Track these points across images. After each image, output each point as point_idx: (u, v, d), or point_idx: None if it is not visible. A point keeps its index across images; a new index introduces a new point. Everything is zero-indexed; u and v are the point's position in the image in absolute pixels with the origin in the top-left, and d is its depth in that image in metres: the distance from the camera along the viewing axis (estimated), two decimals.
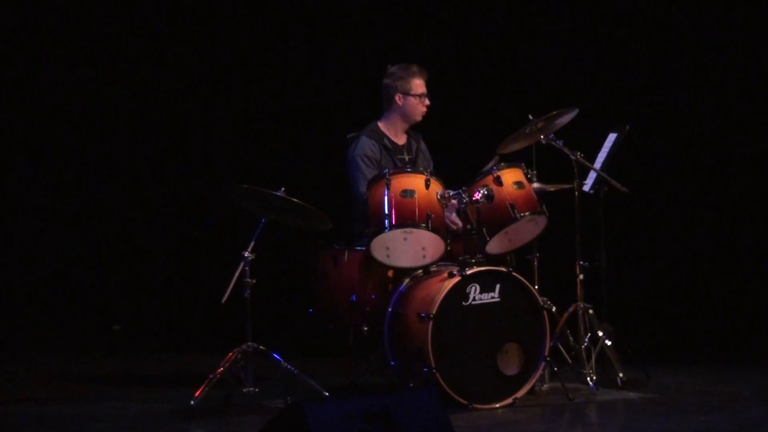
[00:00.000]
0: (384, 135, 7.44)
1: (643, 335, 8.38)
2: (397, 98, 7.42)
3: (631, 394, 7.20)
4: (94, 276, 9.94)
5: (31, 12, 9.70)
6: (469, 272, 6.86)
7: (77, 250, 9.94)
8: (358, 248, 7.14)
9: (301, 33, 9.64)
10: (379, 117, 7.50)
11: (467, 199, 6.96)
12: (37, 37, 9.73)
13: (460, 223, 7.20)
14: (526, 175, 7.17)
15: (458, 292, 6.84)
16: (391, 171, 7.01)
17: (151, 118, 9.83)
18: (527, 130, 7.31)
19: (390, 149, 7.41)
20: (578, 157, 7.40)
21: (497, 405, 6.87)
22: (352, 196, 7.34)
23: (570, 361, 7.44)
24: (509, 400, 6.89)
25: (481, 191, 6.94)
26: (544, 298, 7.13)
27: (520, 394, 6.92)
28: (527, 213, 7.06)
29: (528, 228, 7.15)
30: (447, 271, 6.97)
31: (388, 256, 6.96)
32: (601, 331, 7.44)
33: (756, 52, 9.03)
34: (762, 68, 9.04)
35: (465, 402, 6.79)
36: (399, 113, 7.46)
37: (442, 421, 5.07)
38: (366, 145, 7.35)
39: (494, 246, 7.10)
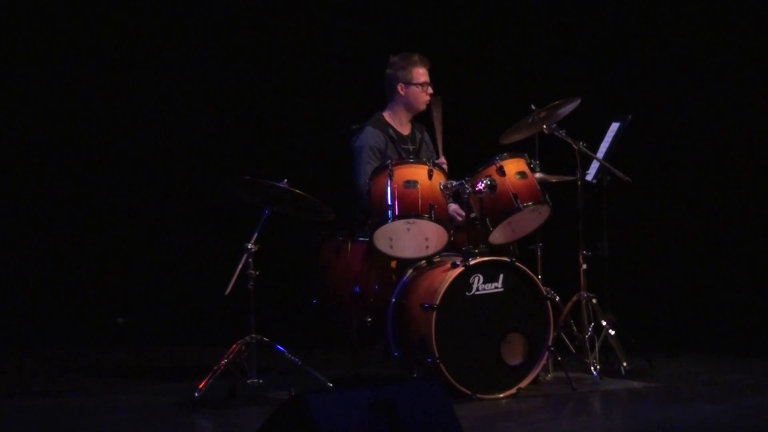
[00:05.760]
0: (389, 125, 7.44)
1: (646, 324, 8.38)
2: (399, 88, 7.41)
3: (635, 384, 7.20)
4: (98, 269, 9.95)
5: (31, 9, 9.70)
6: (472, 262, 6.86)
7: (80, 243, 9.94)
8: (361, 239, 7.14)
9: (303, 23, 9.63)
10: (383, 108, 7.50)
11: (470, 189, 6.96)
12: (37, 34, 9.73)
13: (463, 213, 7.19)
14: (528, 165, 7.17)
15: (461, 283, 6.84)
16: (394, 162, 7.01)
17: (154, 111, 9.83)
18: (530, 120, 7.31)
19: (395, 139, 7.41)
20: (581, 146, 7.40)
21: (501, 395, 6.88)
22: (355, 186, 7.33)
23: (573, 350, 7.45)
24: (513, 390, 6.90)
25: (484, 181, 6.94)
26: (548, 288, 7.13)
27: (523, 384, 6.93)
28: (530, 203, 7.06)
29: (531, 218, 7.15)
30: (450, 262, 6.97)
31: (391, 246, 6.96)
32: (605, 320, 7.44)
33: (759, 41, 9.02)
34: (765, 57, 9.02)
35: (469, 392, 6.79)
36: (402, 103, 7.45)
37: (446, 411, 5.07)
38: (371, 135, 7.35)
39: (497, 236, 7.11)
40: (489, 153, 7.16)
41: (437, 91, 7.47)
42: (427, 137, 7.60)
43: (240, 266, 6.86)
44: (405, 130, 7.50)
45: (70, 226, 9.95)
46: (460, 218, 7.23)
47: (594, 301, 7.45)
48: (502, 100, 8.86)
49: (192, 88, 9.76)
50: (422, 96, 7.43)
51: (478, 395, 6.82)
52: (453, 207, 7.27)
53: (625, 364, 7.39)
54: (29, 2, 9.72)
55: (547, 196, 7.13)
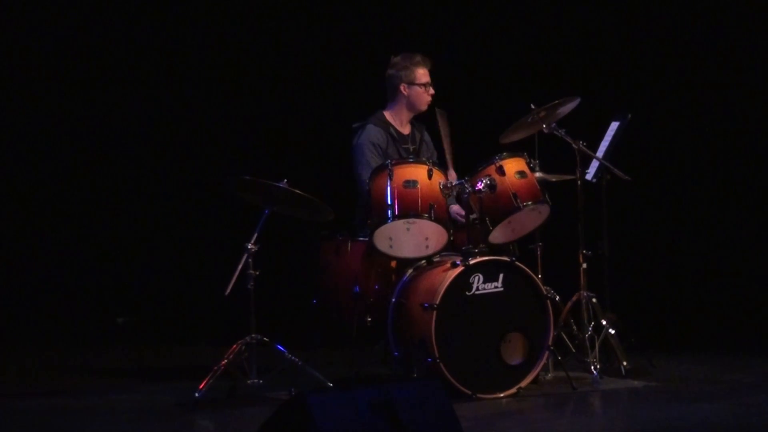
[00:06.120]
0: (390, 124, 7.44)
1: (646, 323, 8.37)
2: (402, 88, 7.41)
3: (635, 383, 7.20)
4: (98, 268, 9.95)
5: (31, 9, 9.70)
6: (472, 262, 6.86)
7: (81, 243, 9.94)
8: (361, 239, 7.14)
9: (303, 23, 9.63)
10: (383, 107, 7.50)
11: (470, 188, 6.96)
12: (37, 33, 9.73)
13: (464, 213, 7.17)
14: (528, 164, 7.17)
15: (461, 282, 6.84)
16: (394, 161, 7.01)
17: (154, 111, 9.82)
18: (529, 120, 7.31)
19: (396, 138, 7.42)
20: (580, 146, 7.40)
21: (501, 395, 6.88)
22: (356, 183, 7.33)
23: (574, 350, 7.44)
24: (513, 390, 6.89)
25: (484, 181, 6.94)
26: (548, 288, 7.13)
27: (524, 383, 6.93)
28: (530, 202, 7.06)
29: (531, 217, 7.15)
30: (450, 261, 6.97)
31: (391, 246, 6.96)
32: (605, 319, 7.44)
33: (759, 40, 9.02)
34: (765, 57, 9.02)
35: (469, 392, 6.79)
36: (404, 103, 7.45)
37: (445, 411, 5.07)
38: (373, 133, 7.35)
39: (497, 235, 7.10)
40: (488, 152, 7.16)
41: (438, 93, 7.46)
42: (427, 137, 7.59)
43: (240, 266, 6.86)
44: (405, 129, 7.50)
45: (71, 225, 9.95)
46: (461, 218, 7.21)
47: (594, 300, 7.45)
48: (502, 100, 8.86)
49: (192, 88, 9.76)
50: (424, 96, 7.43)
51: (478, 395, 6.81)
52: (455, 208, 7.26)
53: (625, 363, 7.39)
54: (30, 2, 9.72)
55: (546, 196, 7.13)
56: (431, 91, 7.44)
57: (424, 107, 7.47)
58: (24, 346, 9.25)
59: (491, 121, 7.75)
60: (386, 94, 7.49)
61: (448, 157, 7.43)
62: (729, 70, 9.07)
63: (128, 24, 9.76)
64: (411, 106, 7.46)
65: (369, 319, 7.10)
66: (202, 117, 9.80)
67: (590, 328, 7.39)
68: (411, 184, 6.92)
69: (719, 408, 6.53)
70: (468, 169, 7.11)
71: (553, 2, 9.29)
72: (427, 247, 6.99)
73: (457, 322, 6.82)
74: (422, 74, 7.41)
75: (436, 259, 7.10)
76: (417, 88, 7.41)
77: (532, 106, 7.25)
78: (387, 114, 7.47)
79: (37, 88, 9.80)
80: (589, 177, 7.61)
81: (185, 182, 9.78)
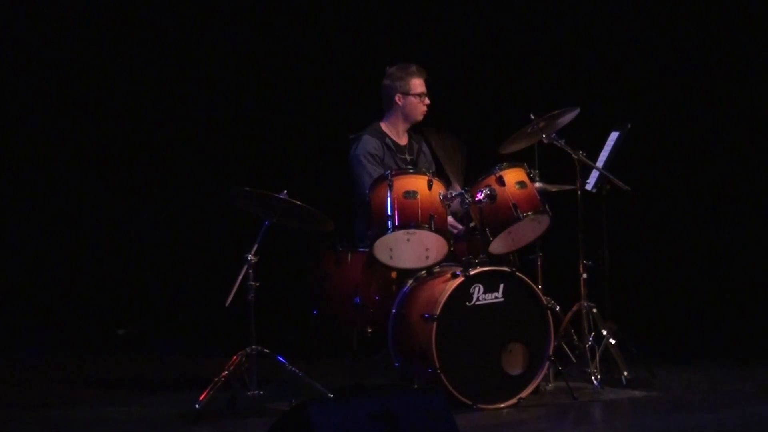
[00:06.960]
0: (386, 135, 7.45)
1: (647, 333, 8.38)
2: (397, 99, 7.42)
3: (636, 393, 7.20)
4: (98, 280, 9.95)
5: (31, 10, 9.72)
6: (472, 272, 6.86)
7: (81, 254, 9.95)
8: (361, 250, 7.14)
9: (302, 34, 9.65)
10: (380, 118, 7.51)
11: (470, 199, 6.96)
12: (37, 35, 9.74)
13: (460, 227, 7.21)
14: (528, 174, 7.17)
15: (462, 293, 6.84)
16: (394, 172, 7.01)
17: (154, 122, 9.84)
18: (529, 130, 7.31)
19: (392, 149, 7.42)
20: (580, 156, 7.40)
21: (502, 405, 6.87)
22: (357, 194, 7.33)
23: (574, 360, 7.44)
24: (514, 400, 6.89)
25: (484, 191, 6.94)
26: (548, 298, 7.13)
27: (524, 393, 6.92)
28: (530, 212, 7.06)
29: (531, 227, 7.15)
30: (450, 272, 6.97)
31: (391, 257, 6.96)
32: (605, 329, 7.44)
33: (757, 50, 9.03)
34: (764, 65, 9.03)
35: (469, 402, 6.79)
36: (400, 113, 7.46)
37: (446, 421, 5.07)
38: (369, 143, 7.36)
39: (497, 246, 7.10)
40: (488, 163, 7.17)
41: (437, 104, 7.47)
42: (425, 147, 7.60)
43: (240, 277, 6.86)
44: (402, 140, 7.51)
45: (71, 236, 9.95)
46: (456, 231, 7.23)
47: (594, 310, 7.45)
48: (501, 110, 8.87)
49: (193, 98, 9.77)
50: (419, 107, 7.44)
51: (479, 405, 6.81)
52: (449, 220, 7.25)
53: (625, 373, 7.38)
54: (30, 3, 9.73)
55: (546, 206, 7.14)
56: (426, 101, 7.44)
57: (419, 117, 7.48)
58: (24, 357, 9.24)
59: (491, 132, 7.76)
60: (382, 105, 7.50)
61: (450, 173, 7.37)
62: (728, 79, 9.08)
63: (131, 35, 9.78)
64: (406, 116, 7.46)
65: (369, 329, 7.10)
66: (203, 128, 9.81)
67: (591, 338, 7.38)
68: (411, 194, 6.92)
69: (720, 418, 6.52)
70: (468, 179, 7.12)
71: (552, 12, 9.30)
72: (427, 257, 6.99)
73: (457, 332, 6.82)
74: (417, 84, 7.42)
75: (436, 270, 7.10)
76: (412, 98, 7.42)
77: (532, 116, 7.26)
78: (383, 125, 7.48)
79: (38, 93, 9.81)
80: (589, 187, 7.62)
81: (185, 193, 9.79)
